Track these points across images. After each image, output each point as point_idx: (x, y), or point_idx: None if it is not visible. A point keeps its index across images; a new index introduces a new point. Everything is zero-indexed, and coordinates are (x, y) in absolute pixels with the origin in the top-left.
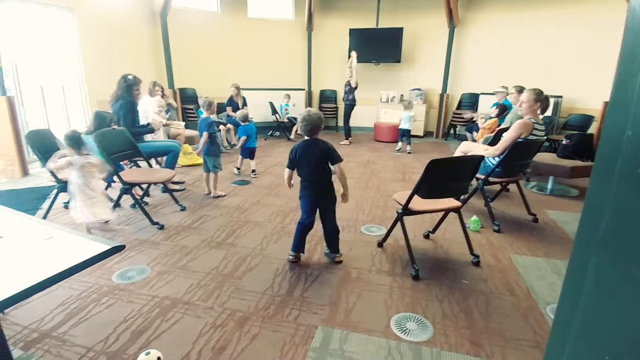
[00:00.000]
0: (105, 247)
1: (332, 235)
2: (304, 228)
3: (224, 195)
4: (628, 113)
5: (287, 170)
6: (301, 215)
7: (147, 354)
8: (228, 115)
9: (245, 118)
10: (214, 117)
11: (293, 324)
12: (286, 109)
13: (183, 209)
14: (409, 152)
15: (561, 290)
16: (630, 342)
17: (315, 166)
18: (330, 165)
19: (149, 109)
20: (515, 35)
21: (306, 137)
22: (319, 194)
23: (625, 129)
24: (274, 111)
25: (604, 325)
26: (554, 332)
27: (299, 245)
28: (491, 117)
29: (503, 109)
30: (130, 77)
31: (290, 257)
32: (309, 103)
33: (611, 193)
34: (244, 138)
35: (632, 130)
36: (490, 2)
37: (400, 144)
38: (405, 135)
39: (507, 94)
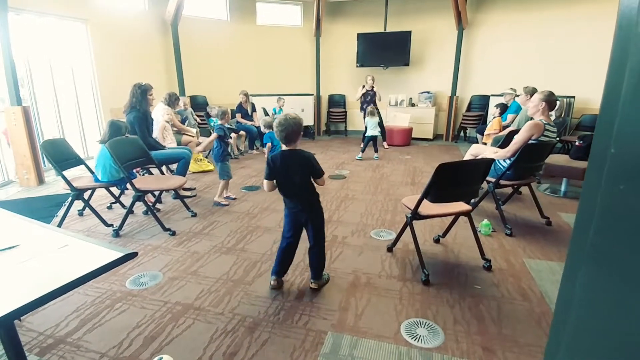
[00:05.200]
0: (118, 255)
1: (315, 259)
2: (284, 248)
3: (227, 205)
4: (612, 132)
5: (266, 182)
6: (282, 234)
7: (160, 359)
8: (238, 122)
9: (270, 125)
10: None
11: (303, 329)
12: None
13: (194, 215)
14: (376, 158)
15: (557, 296)
16: (614, 347)
17: (297, 182)
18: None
19: (159, 117)
20: (526, 35)
21: (284, 147)
22: (300, 208)
23: (610, 147)
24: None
25: (592, 332)
26: (551, 336)
27: (278, 268)
28: (494, 117)
29: (504, 108)
30: (143, 84)
31: (271, 281)
32: (317, 108)
33: (597, 208)
34: (269, 145)
35: (615, 149)
36: (500, 3)
37: (361, 154)
38: (372, 142)
39: (515, 96)
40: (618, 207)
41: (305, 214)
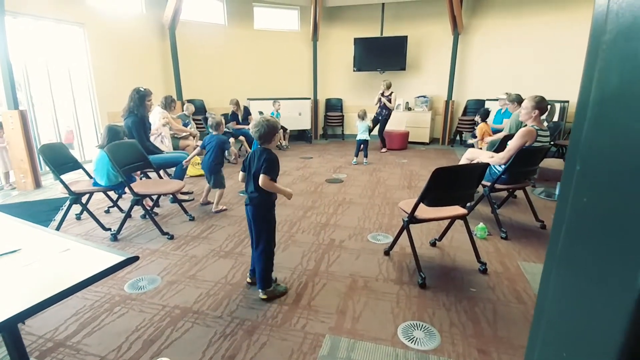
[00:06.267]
0: (120, 258)
1: (256, 262)
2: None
3: (225, 209)
4: (578, 150)
5: (240, 173)
6: None
7: None
8: (234, 129)
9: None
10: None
11: (301, 332)
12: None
13: (192, 219)
14: (366, 164)
15: (537, 295)
16: (579, 337)
17: (252, 175)
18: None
19: (157, 120)
20: (521, 40)
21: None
22: (247, 202)
23: (576, 164)
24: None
25: (562, 325)
26: (530, 331)
27: (252, 267)
28: (478, 124)
29: (486, 114)
30: (142, 89)
31: (248, 279)
32: (314, 111)
33: (566, 217)
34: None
35: (579, 166)
36: (495, 8)
37: (356, 158)
38: (363, 146)
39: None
40: (582, 217)
41: (248, 209)
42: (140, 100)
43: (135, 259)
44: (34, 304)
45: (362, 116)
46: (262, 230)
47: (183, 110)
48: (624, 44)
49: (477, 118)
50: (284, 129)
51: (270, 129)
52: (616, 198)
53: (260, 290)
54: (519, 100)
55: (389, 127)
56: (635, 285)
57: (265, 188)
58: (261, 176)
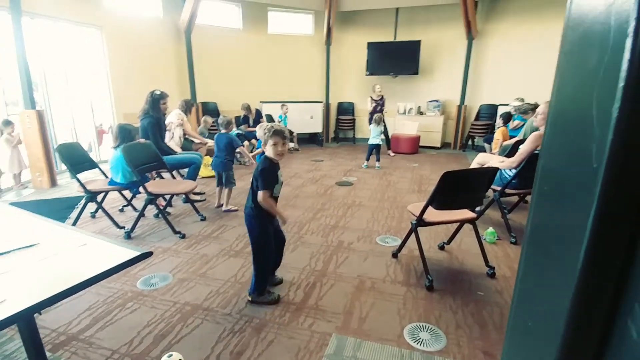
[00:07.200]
0: (135, 254)
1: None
2: None
3: (236, 210)
4: (539, 167)
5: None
6: None
7: (170, 356)
8: (246, 131)
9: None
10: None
11: (308, 331)
12: (279, 120)
13: (203, 218)
14: (378, 168)
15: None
16: (540, 311)
17: (251, 188)
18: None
19: (174, 120)
20: (536, 45)
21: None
22: (246, 218)
23: (538, 179)
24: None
25: (528, 301)
26: (509, 315)
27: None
28: (499, 127)
29: (508, 117)
30: (157, 92)
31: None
32: (326, 115)
33: (534, 202)
34: (260, 150)
35: (544, 160)
36: (510, 14)
37: (367, 162)
38: (375, 150)
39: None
40: (544, 204)
41: (245, 217)
42: (154, 102)
43: (149, 254)
44: (52, 295)
45: (378, 121)
46: (253, 241)
47: (199, 125)
48: (576, 55)
49: (499, 121)
50: (291, 132)
51: (266, 134)
52: (566, 189)
53: (248, 294)
54: (531, 108)
55: (399, 131)
56: (578, 260)
57: (263, 205)
58: (259, 193)
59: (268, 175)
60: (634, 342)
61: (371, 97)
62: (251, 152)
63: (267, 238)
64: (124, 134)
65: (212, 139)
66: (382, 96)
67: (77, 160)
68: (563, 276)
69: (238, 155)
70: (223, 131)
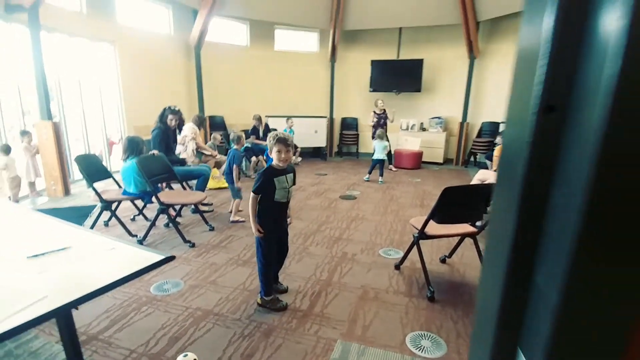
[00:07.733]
0: (160, 257)
1: None
2: None
3: (243, 221)
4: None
5: None
6: None
7: (185, 356)
8: (253, 143)
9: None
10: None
11: (314, 336)
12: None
13: (212, 228)
14: (381, 183)
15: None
16: (487, 292)
17: None
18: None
19: (188, 133)
20: None
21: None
22: None
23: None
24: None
25: (481, 286)
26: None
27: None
28: (498, 145)
29: None
30: (168, 107)
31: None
32: (330, 129)
33: (494, 198)
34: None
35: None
36: (511, 35)
37: (369, 175)
38: (379, 165)
39: None
40: (500, 194)
41: None
42: (161, 117)
43: (172, 258)
44: (90, 291)
45: (381, 136)
46: (257, 245)
47: (208, 141)
48: (522, 71)
49: (499, 138)
50: (295, 147)
51: (271, 142)
52: (510, 184)
53: (259, 297)
54: None
55: (402, 146)
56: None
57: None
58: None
59: (262, 180)
60: (539, 290)
61: (374, 112)
62: (257, 164)
63: (267, 243)
64: (133, 147)
65: (220, 153)
66: (385, 110)
67: (94, 170)
68: (501, 255)
69: (243, 167)
70: (235, 147)
